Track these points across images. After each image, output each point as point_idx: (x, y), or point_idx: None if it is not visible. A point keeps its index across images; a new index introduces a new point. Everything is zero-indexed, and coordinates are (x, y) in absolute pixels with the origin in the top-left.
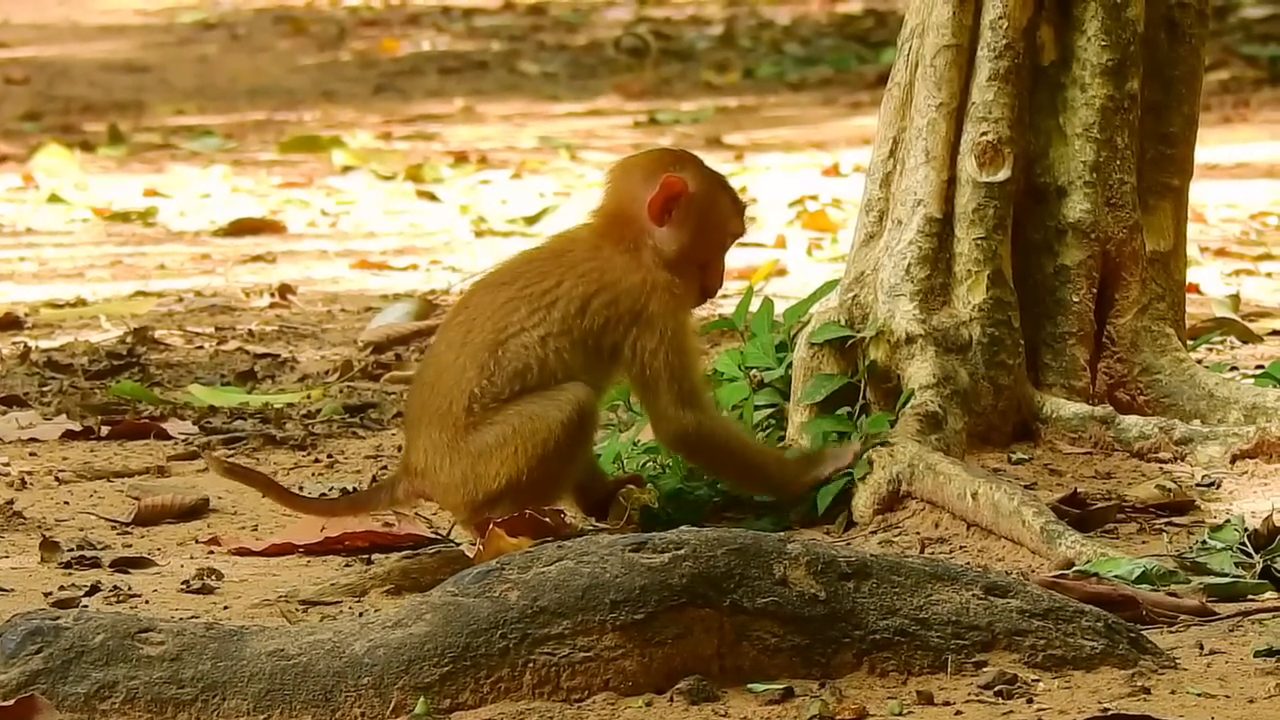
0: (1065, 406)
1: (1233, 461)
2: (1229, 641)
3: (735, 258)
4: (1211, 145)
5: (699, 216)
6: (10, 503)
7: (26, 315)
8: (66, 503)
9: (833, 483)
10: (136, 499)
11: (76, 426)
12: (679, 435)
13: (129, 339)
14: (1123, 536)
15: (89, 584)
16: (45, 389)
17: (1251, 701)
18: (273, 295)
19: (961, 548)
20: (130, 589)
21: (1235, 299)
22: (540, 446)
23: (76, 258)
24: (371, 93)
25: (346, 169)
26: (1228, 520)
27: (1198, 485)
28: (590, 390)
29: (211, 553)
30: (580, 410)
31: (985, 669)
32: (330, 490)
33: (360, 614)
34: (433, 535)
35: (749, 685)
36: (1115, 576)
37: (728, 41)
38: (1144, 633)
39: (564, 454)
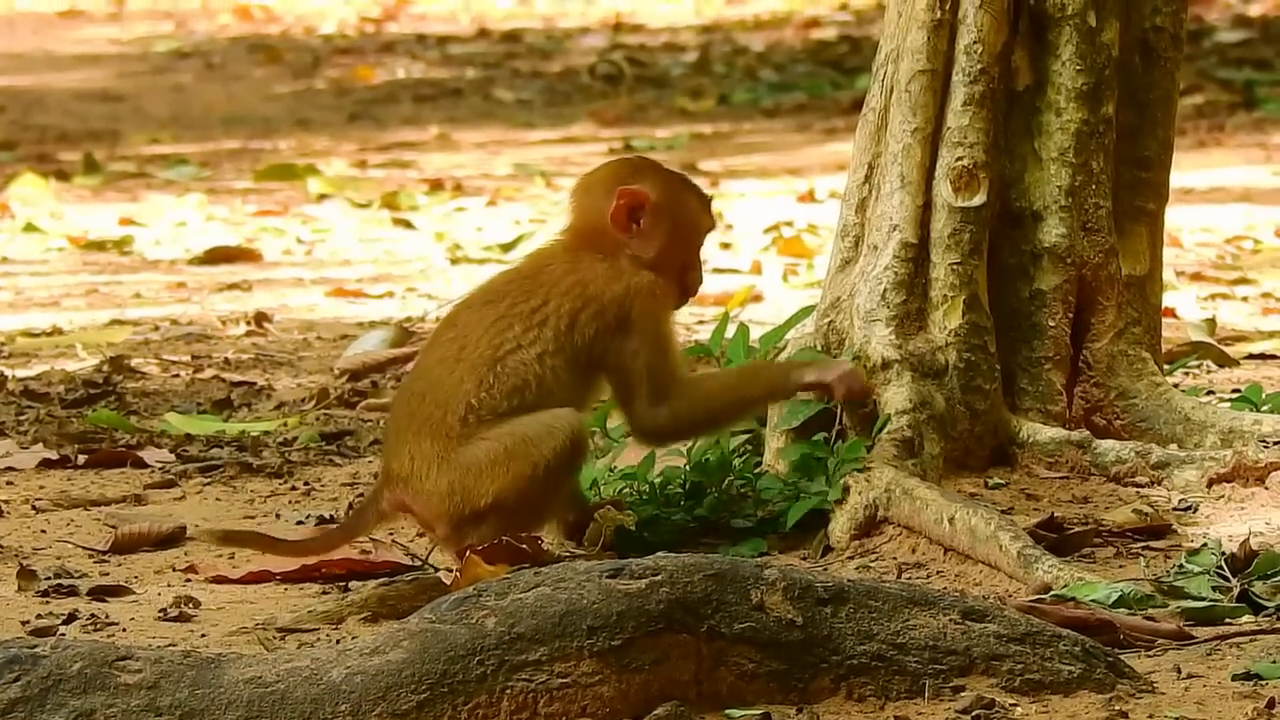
0: (1042, 431)
1: (1209, 485)
2: (1207, 665)
3: (711, 284)
4: (1187, 169)
5: (668, 220)
6: None
7: (2, 344)
8: (43, 531)
9: (803, 501)
10: (113, 527)
11: (53, 455)
12: (654, 432)
13: (105, 367)
14: (1100, 561)
15: (66, 612)
16: (22, 418)
17: None
18: (249, 323)
19: (939, 573)
20: (108, 617)
21: (1211, 323)
22: (531, 470)
23: (52, 287)
24: (346, 121)
25: (322, 197)
26: (1205, 544)
27: (1175, 509)
28: (582, 417)
29: (189, 580)
30: (574, 438)
31: (963, 694)
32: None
33: (338, 641)
34: (410, 562)
35: (726, 711)
36: (1092, 601)
37: (702, 68)
38: (1121, 657)
39: (554, 480)
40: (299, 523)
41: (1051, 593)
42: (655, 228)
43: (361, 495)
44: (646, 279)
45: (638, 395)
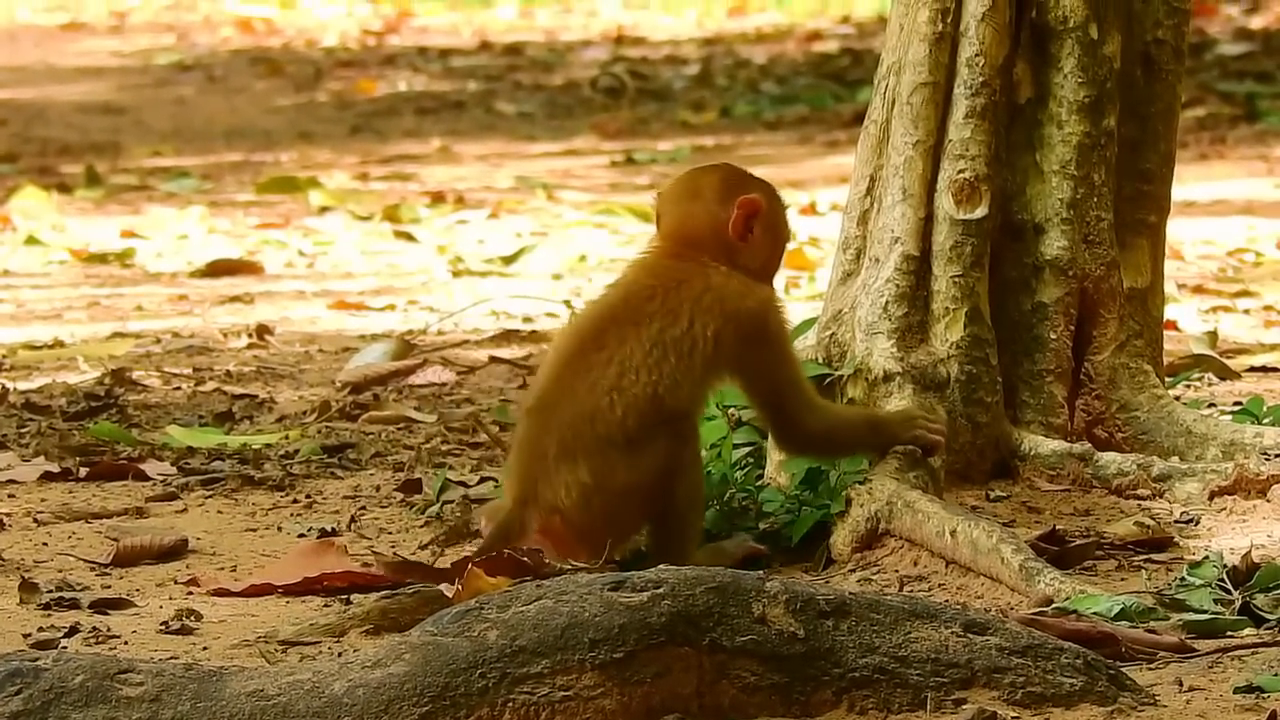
0: (1043, 444)
1: (1211, 498)
2: (1208, 678)
3: None
4: (1188, 182)
5: (773, 230)
6: None
7: (4, 357)
8: (45, 544)
9: (806, 516)
10: (115, 540)
11: (55, 468)
12: (803, 442)
13: (107, 380)
14: (1101, 573)
15: (68, 625)
16: (23, 430)
17: None
18: (250, 336)
19: (940, 585)
20: (109, 630)
21: (1213, 336)
22: (680, 507)
23: (54, 299)
24: (348, 133)
25: (323, 209)
26: (1206, 557)
27: (1176, 522)
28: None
29: (190, 593)
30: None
31: (964, 706)
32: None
33: (339, 654)
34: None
35: None
36: (1094, 613)
37: (704, 81)
38: (1123, 669)
39: (697, 514)
40: (301, 535)
41: (1053, 605)
42: (764, 237)
43: (364, 509)
44: (771, 291)
45: (787, 407)
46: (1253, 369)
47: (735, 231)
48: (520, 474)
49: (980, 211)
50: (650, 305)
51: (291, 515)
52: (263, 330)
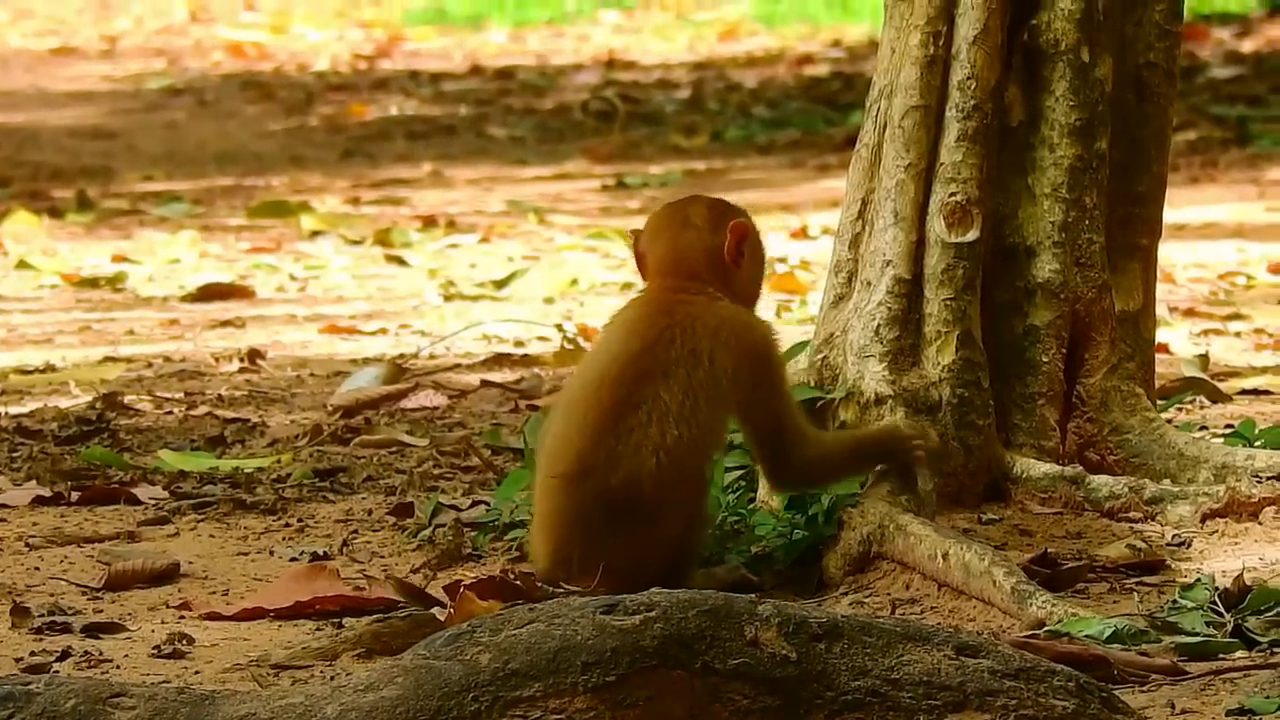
0: (1035, 467)
1: (1203, 521)
2: (1201, 701)
3: None
4: (1180, 205)
5: (757, 252)
6: None
7: None
8: (37, 568)
9: (798, 539)
10: (107, 564)
11: (46, 492)
12: (794, 478)
13: (98, 405)
14: (1093, 596)
15: (60, 649)
16: (15, 455)
17: None
18: (242, 360)
19: (932, 608)
20: (101, 654)
21: (1204, 358)
22: (697, 551)
23: (45, 324)
24: (339, 158)
25: (315, 234)
26: (1198, 579)
27: (1168, 545)
28: None
29: (182, 617)
30: None
31: None
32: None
33: (332, 677)
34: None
35: None
36: (1086, 636)
37: (695, 105)
38: (1115, 692)
39: (702, 539)
40: (293, 559)
41: (1045, 628)
42: (752, 260)
43: (355, 533)
44: (765, 320)
45: (781, 441)
46: (1244, 392)
47: (730, 256)
48: (558, 544)
49: (972, 235)
50: (672, 351)
51: (283, 539)
52: (254, 354)
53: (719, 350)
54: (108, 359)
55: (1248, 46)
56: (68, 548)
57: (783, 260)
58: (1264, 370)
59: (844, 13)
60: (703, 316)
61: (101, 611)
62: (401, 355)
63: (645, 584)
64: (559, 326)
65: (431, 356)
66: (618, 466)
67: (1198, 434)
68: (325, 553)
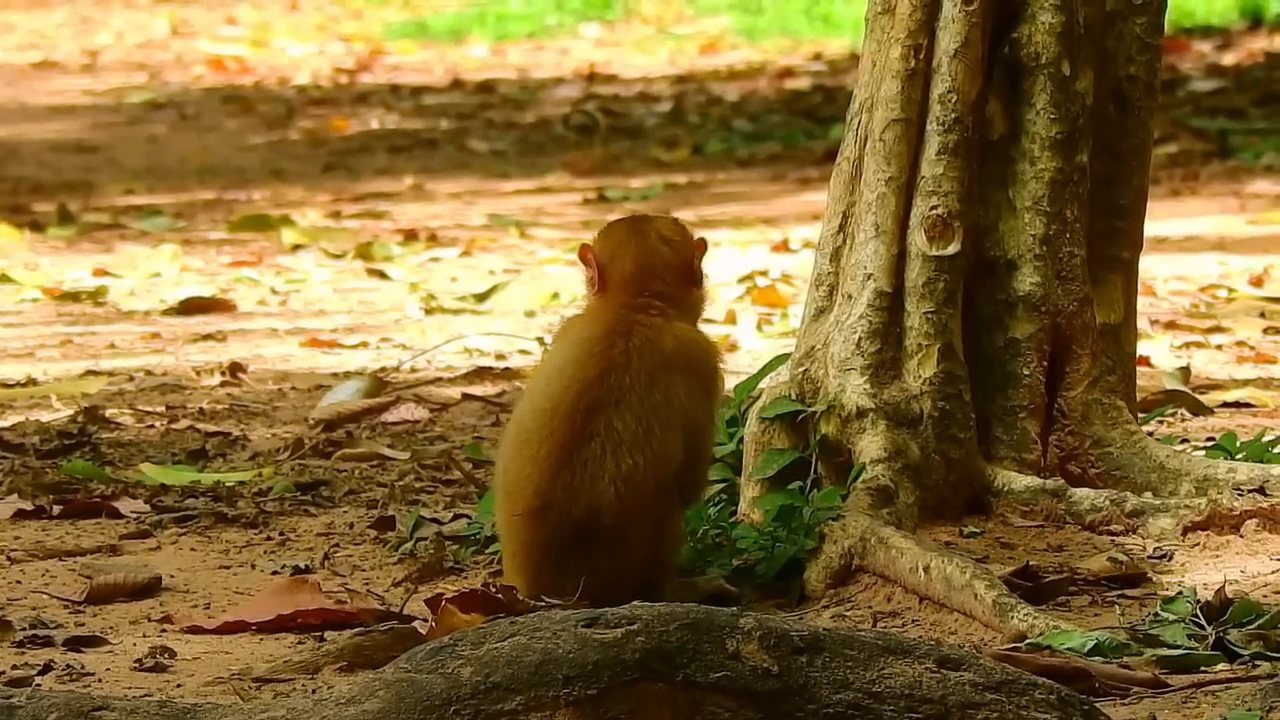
0: (1017, 480)
1: (1184, 534)
2: (1182, 713)
3: None
4: (1161, 218)
5: (705, 270)
6: None
7: None
8: (19, 582)
9: (780, 552)
10: (89, 578)
11: (28, 506)
12: (696, 492)
13: (80, 418)
14: (1075, 609)
15: (42, 663)
16: None
17: None
18: (223, 374)
19: (914, 621)
20: (83, 668)
21: (1186, 371)
22: (664, 552)
23: (27, 337)
24: (320, 171)
25: (296, 247)
26: (1180, 592)
27: (1150, 557)
28: None
29: (164, 631)
30: None
31: None
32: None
33: (314, 691)
34: (385, 611)
35: None
36: (1068, 649)
37: (676, 118)
38: (1097, 705)
39: (676, 554)
40: (274, 573)
41: (1027, 641)
42: (702, 280)
43: (337, 546)
44: (716, 344)
45: (703, 454)
46: (1225, 405)
47: (696, 272)
48: (531, 576)
49: (953, 248)
50: (626, 377)
51: (265, 552)
52: (236, 368)
53: (673, 374)
54: (89, 373)
55: (1229, 59)
56: (49, 561)
57: (764, 274)
58: (1245, 383)
59: (825, 26)
60: (658, 339)
61: (83, 625)
62: (383, 369)
63: (621, 601)
64: (540, 340)
65: (413, 370)
66: (577, 499)
67: (1179, 447)
68: (307, 566)
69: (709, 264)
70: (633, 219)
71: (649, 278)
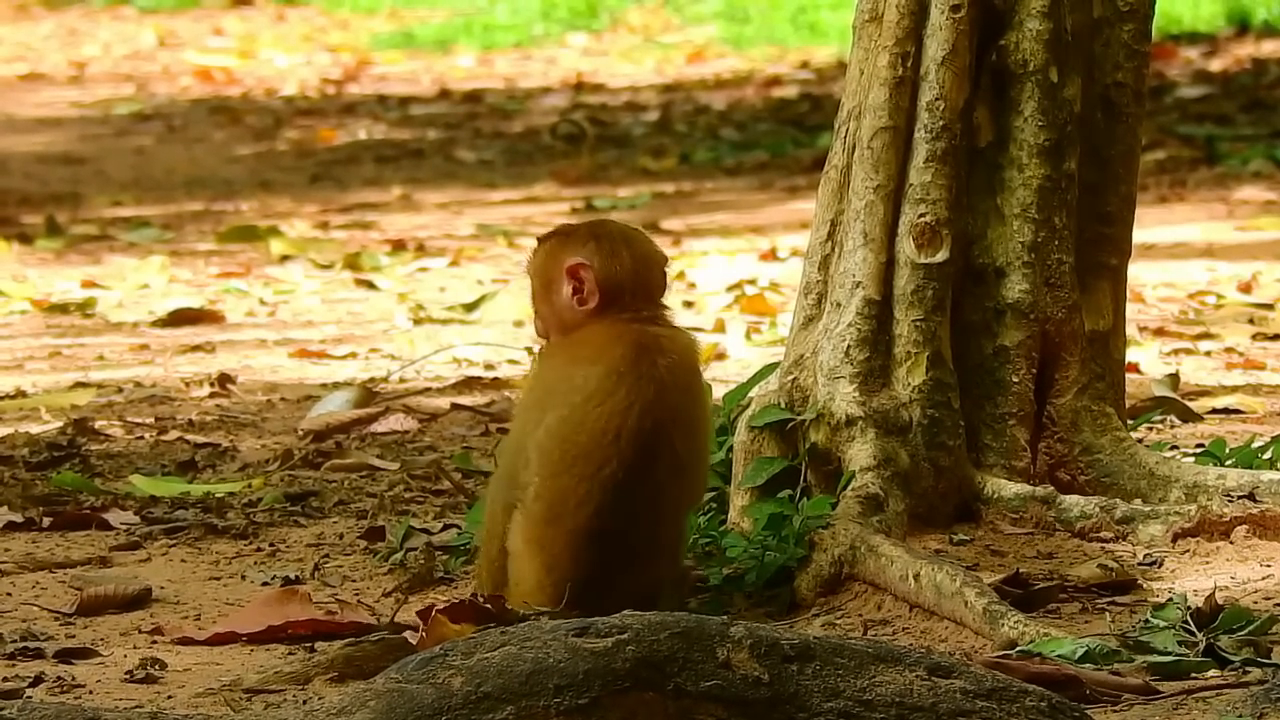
0: (1006, 487)
1: (1174, 540)
2: None
3: None
4: (1149, 225)
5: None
6: None
7: None
8: (9, 594)
9: (769, 560)
10: (79, 589)
11: (18, 518)
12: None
13: (69, 430)
14: (1065, 616)
15: (32, 675)
16: None
17: None
18: (212, 385)
19: (904, 629)
20: (74, 679)
21: (1174, 378)
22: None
23: (15, 349)
24: (308, 182)
25: (284, 258)
26: (1170, 599)
27: (1140, 564)
28: None
29: (155, 642)
30: None
31: None
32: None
33: (304, 702)
34: (375, 623)
35: None
36: (1058, 656)
37: (664, 127)
38: (1088, 712)
39: None
40: (264, 584)
41: (1017, 648)
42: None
43: (326, 557)
44: None
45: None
46: (1215, 411)
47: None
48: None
49: (941, 255)
50: (674, 396)
51: (255, 563)
52: (224, 379)
53: (699, 383)
54: (78, 384)
55: (1216, 66)
56: (39, 573)
57: (752, 282)
58: (1234, 389)
59: (812, 34)
60: (683, 351)
61: (74, 637)
62: (372, 379)
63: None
64: (529, 349)
65: (402, 380)
66: (638, 522)
67: (1168, 453)
68: (297, 577)
69: (698, 273)
70: (625, 230)
71: (660, 288)
